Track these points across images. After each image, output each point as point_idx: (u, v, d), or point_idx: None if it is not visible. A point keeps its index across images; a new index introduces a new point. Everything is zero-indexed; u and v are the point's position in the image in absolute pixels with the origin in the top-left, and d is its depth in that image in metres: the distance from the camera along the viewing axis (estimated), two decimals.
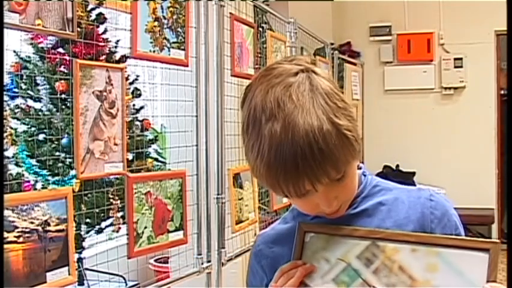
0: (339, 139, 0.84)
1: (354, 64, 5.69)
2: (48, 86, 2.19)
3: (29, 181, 1.75)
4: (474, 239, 0.87)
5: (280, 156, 0.83)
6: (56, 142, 1.99)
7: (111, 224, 2.28)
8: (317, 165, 0.83)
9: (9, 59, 2.11)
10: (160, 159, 2.74)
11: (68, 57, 2.09)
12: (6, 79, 2.06)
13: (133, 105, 2.45)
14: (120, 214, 2.11)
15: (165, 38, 2.05)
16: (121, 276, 2.34)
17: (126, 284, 2.48)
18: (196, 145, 2.27)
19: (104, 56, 2.33)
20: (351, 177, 0.92)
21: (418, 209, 0.97)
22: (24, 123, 2.17)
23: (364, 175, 1.02)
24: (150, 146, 2.58)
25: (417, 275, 0.87)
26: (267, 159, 0.84)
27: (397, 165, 5.87)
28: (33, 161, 1.80)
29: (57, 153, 1.97)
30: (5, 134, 1.83)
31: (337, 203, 0.92)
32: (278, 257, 1.00)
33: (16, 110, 2.16)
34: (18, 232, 1.49)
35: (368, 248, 0.92)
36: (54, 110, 2.21)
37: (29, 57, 2.26)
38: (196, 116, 2.26)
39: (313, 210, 0.94)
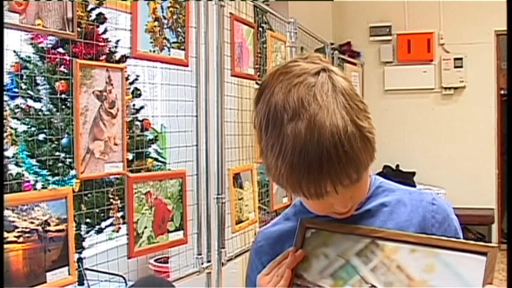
0: (362, 141, 0.84)
1: (354, 64, 5.69)
2: (48, 86, 2.19)
3: (29, 181, 1.75)
4: (473, 242, 0.87)
5: (304, 156, 0.81)
6: (56, 142, 1.99)
7: (111, 224, 2.28)
8: (341, 168, 0.82)
9: (9, 59, 2.11)
10: (160, 159, 2.74)
11: (68, 57, 2.09)
12: (6, 79, 2.06)
13: (133, 105, 2.45)
14: (120, 214, 2.11)
15: (165, 38, 2.04)
16: (121, 276, 2.33)
17: (126, 284, 2.48)
18: (196, 145, 2.27)
19: (104, 56, 2.33)
20: (365, 179, 0.92)
21: (420, 212, 0.97)
22: (24, 123, 2.16)
23: (370, 175, 1.02)
24: (150, 146, 2.58)
25: (415, 275, 0.88)
26: (290, 159, 0.82)
27: (397, 165, 5.87)
28: (33, 161, 1.80)
29: (57, 153, 1.97)
30: (5, 134, 1.82)
31: (351, 204, 0.92)
32: (279, 255, 0.99)
33: (16, 110, 2.16)
34: (18, 232, 1.49)
35: (368, 246, 0.92)
36: (54, 110, 2.21)
37: (29, 57, 2.26)
38: (196, 116, 2.26)
39: (325, 210, 0.93)
